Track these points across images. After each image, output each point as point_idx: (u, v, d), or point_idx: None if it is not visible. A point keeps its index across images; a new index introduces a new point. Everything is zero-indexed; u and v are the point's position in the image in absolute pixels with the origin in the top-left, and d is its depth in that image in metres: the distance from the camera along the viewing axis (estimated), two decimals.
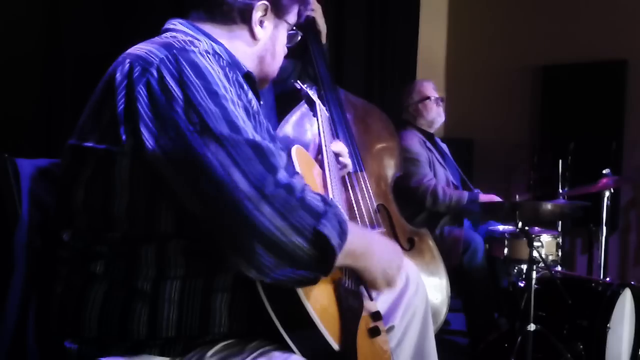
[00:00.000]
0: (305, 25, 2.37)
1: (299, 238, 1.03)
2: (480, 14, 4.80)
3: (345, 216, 1.13)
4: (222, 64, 1.15)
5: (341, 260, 1.12)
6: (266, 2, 1.31)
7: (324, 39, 2.55)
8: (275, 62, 1.41)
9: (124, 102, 1.10)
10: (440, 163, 3.34)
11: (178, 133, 1.05)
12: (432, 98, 3.39)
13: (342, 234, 1.09)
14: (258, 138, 1.07)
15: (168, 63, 1.10)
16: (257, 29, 1.32)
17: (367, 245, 1.24)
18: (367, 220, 2.35)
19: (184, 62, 1.10)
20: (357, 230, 1.20)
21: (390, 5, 4.23)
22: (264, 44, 1.35)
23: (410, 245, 2.62)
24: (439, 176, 3.29)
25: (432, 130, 3.44)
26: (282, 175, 1.05)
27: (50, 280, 1.18)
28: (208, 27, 1.30)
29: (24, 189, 1.30)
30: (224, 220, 1.04)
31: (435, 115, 3.40)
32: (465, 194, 3.17)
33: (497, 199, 3.19)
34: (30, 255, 1.27)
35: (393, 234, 2.57)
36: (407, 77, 4.42)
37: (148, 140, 1.07)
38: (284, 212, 1.02)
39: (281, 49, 1.41)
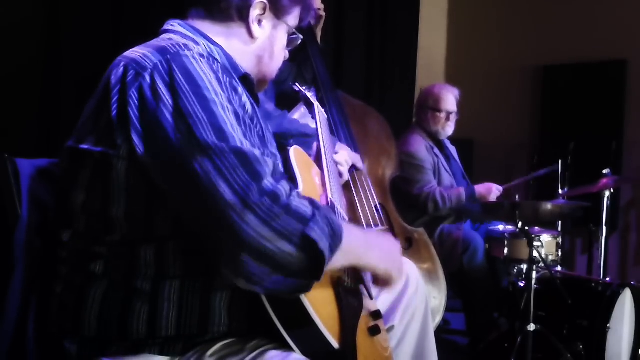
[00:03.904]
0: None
1: (287, 244, 1.02)
2: (480, 14, 4.80)
3: (337, 218, 1.12)
4: (215, 67, 1.14)
5: (341, 260, 1.12)
6: (264, 1, 1.30)
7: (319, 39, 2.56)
8: (273, 63, 1.39)
9: (117, 106, 1.10)
10: (446, 169, 3.33)
11: (165, 140, 1.05)
12: (444, 112, 3.32)
13: (333, 235, 1.07)
14: (245, 144, 1.05)
15: (161, 68, 1.09)
16: (254, 27, 1.31)
17: (367, 243, 1.24)
18: (370, 217, 2.35)
19: (175, 68, 1.09)
20: (356, 230, 1.20)
21: (390, 5, 4.23)
22: (262, 43, 1.34)
23: (408, 245, 2.63)
24: (444, 183, 3.28)
25: (438, 137, 3.39)
26: (267, 182, 1.03)
27: (50, 280, 1.19)
28: (206, 26, 1.30)
29: (23, 189, 1.30)
30: (210, 230, 1.04)
31: (440, 129, 3.34)
32: (463, 191, 3.17)
33: (494, 187, 3.20)
34: (30, 255, 1.27)
35: (391, 233, 2.57)
36: (407, 77, 4.42)
37: (138, 145, 1.07)
38: (269, 219, 1.01)
39: (280, 51, 1.40)
